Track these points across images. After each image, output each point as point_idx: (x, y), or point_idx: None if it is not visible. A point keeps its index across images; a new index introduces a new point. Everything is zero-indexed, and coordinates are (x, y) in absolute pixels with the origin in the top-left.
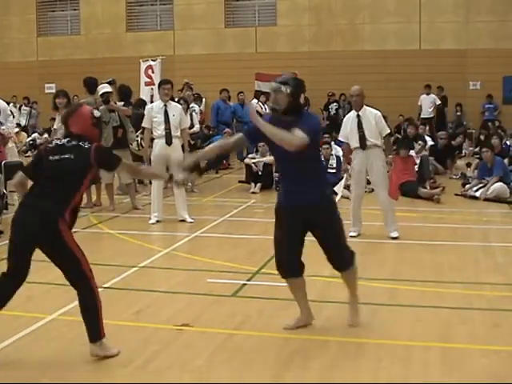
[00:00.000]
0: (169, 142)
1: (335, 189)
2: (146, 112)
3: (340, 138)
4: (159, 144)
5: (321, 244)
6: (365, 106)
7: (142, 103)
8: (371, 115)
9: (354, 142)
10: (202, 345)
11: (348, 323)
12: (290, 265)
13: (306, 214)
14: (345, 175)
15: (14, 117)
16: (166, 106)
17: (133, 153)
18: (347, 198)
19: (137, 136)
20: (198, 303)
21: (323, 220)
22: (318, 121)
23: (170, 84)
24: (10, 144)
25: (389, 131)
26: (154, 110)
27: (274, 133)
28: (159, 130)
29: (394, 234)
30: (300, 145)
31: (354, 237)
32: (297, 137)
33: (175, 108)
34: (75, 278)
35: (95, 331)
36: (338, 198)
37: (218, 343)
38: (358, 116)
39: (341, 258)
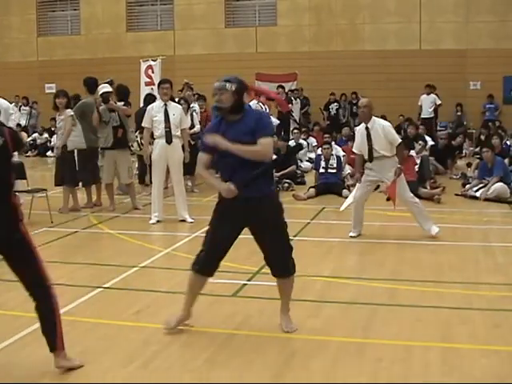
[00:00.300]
0: (169, 140)
1: (343, 206)
2: (146, 112)
3: (354, 150)
4: (159, 143)
5: (264, 242)
6: (374, 118)
7: (153, 99)
8: (380, 127)
9: (365, 154)
10: (202, 345)
11: (284, 330)
12: (214, 264)
13: (256, 207)
14: (357, 184)
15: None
16: (166, 105)
17: (134, 153)
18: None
19: (136, 136)
20: (198, 303)
21: (271, 214)
22: (266, 114)
23: (169, 84)
24: None
25: (400, 140)
26: (154, 110)
27: (245, 151)
28: (159, 129)
29: (434, 231)
30: (271, 152)
31: (353, 237)
32: (266, 147)
33: (175, 108)
34: (35, 282)
35: (54, 341)
36: (342, 208)
37: (219, 343)
38: (367, 128)
39: (286, 262)
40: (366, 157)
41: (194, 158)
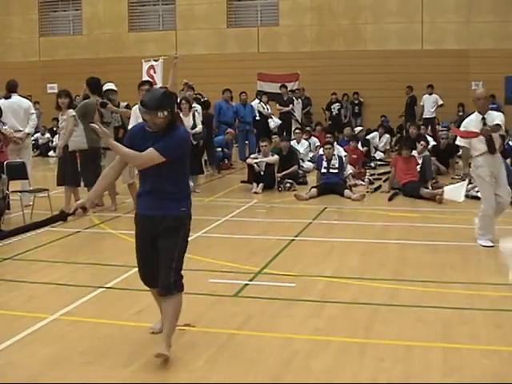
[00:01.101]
0: None
1: (456, 195)
2: (132, 113)
3: (459, 143)
4: None
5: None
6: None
7: (209, 104)
8: (498, 118)
9: (482, 147)
10: (203, 345)
11: (155, 352)
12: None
13: (158, 225)
14: (466, 179)
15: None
16: None
17: None
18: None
19: None
20: (199, 303)
21: (171, 231)
22: (182, 135)
23: (149, 84)
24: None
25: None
26: (138, 112)
27: (125, 154)
28: None
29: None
30: (145, 163)
31: (488, 247)
32: (145, 159)
33: None
34: None
35: None
36: (461, 200)
37: (220, 343)
38: (484, 119)
39: (167, 278)
40: (486, 149)
41: (196, 158)
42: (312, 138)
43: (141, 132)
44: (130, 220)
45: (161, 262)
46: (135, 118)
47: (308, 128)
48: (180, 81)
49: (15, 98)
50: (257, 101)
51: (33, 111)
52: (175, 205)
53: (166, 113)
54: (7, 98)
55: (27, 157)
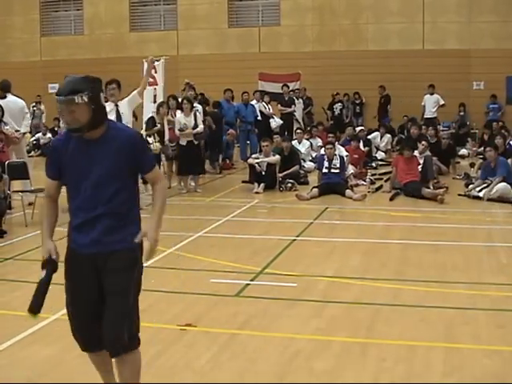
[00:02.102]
0: None
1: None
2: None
3: None
4: None
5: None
6: None
7: (218, 104)
8: None
9: None
10: (205, 345)
11: None
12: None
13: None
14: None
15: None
16: (117, 106)
17: None
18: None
19: (141, 134)
20: (201, 303)
21: (119, 272)
22: (134, 132)
23: (116, 83)
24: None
25: None
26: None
27: (163, 209)
28: None
29: None
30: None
31: None
32: (162, 185)
33: (123, 106)
34: None
35: None
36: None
37: (222, 343)
38: None
39: (117, 335)
40: None
41: (197, 157)
42: (316, 138)
43: (68, 144)
44: None
45: (108, 315)
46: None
47: (315, 128)
48: (181, 81)
49: (10, 97)
50: (255, 100)
51: (27, 110)
52: (127, 234)
53: (85, 98)
54: (2, 97)
55: (24, 156)
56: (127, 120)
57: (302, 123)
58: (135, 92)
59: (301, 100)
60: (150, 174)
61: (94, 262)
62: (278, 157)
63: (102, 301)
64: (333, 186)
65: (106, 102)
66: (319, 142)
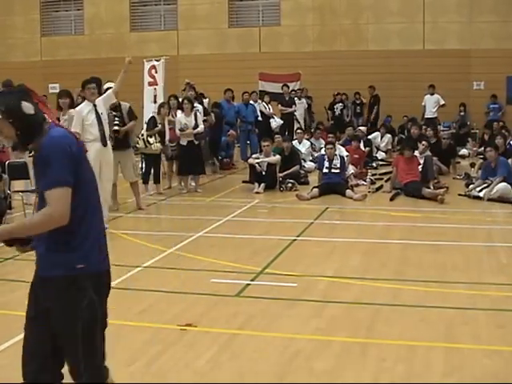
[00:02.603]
0: (104, 143)
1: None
2: (75, 115)
3: None
4: (95, 146)
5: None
6: None
7: (218, 104)
8: None
9: None
10: (205, 345)
11: None
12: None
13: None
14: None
15: None
16: (95, 106)
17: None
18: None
19: (142, 134)
20: (201, 303)
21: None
22: (50, 144)
23: (95, 83)
24: None
25: None
26: (84, 113)
27: (27, 228)
28: (94, 132)
29: None
30: (59, 216)
31: None
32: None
33: (100, 105)
34: None
35: None
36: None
37: (222, 343)
38: None
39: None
40: None
41: (198, 157)
42: (319, 139)
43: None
44: (133, 220)
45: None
46: (80, 119)
47: (318, 129)
48: (182, 81)
49: None
50: (252, 101)
51: None
52: (72, 256)
53: None
54: None
55: (24, 156)
56: (105, 117)
57: (303, 123)
58: (110, 91)
59: (303, 100)
60: (47, 192)
61: None
62: (278, 157)
63: None
64: (333, 186)
65: (83, 101)
66: (322, 143)
